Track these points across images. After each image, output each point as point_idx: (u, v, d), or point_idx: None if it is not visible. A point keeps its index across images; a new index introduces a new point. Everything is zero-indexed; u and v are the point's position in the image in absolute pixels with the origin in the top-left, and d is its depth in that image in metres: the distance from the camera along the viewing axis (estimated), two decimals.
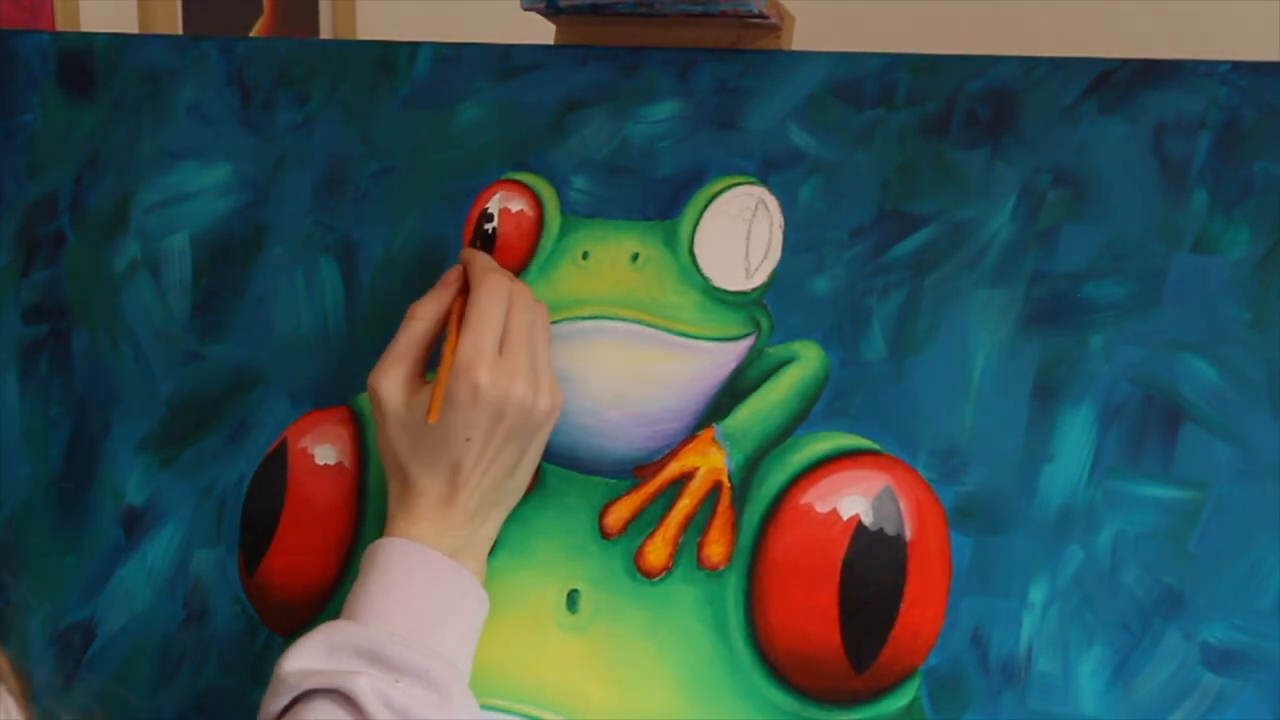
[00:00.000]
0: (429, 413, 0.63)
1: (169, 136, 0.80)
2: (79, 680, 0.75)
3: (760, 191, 0.69)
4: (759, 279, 0.68)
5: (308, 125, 0.78)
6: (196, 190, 0.79)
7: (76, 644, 0.76)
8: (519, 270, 0.72)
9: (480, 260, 0.67)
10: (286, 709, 0.59)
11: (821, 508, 0.64)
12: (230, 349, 0.76)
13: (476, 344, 0.63)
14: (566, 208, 0.72)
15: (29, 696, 0.50)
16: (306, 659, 0.59)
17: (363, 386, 0.72)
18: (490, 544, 0.66)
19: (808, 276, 0.68)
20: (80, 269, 0.80)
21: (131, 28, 1.13)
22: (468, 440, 0.63)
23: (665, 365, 0.68)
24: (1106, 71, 0.66)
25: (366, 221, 0.76)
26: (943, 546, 0.63)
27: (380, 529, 0.71)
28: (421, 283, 0.74)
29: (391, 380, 0.65)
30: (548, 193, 0.73)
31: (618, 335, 0.69)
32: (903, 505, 0.64)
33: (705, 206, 0.70)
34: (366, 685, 0.57)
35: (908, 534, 0.63)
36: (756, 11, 0.69)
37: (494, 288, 0.65)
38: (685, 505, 0.66)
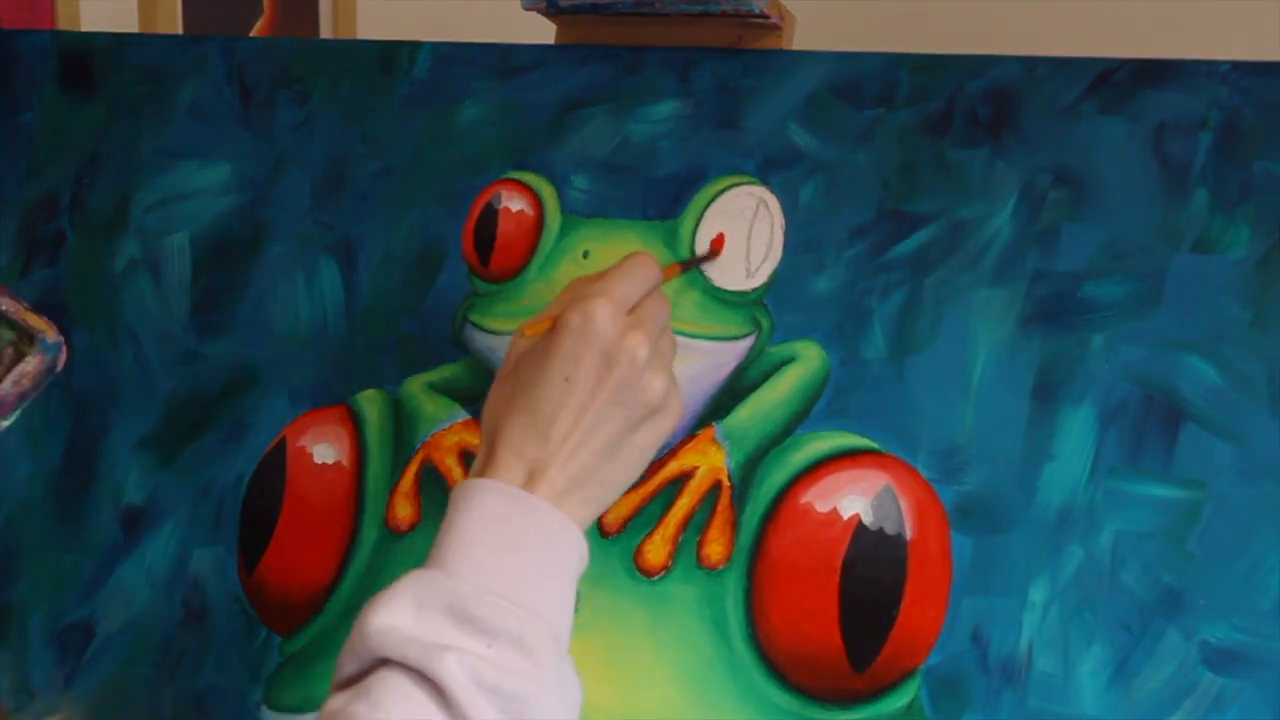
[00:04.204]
0: (525, 326, 0.58)
1: (169, 136, 0.80)
2: (78, 679, 0.75)
3: (761, 191, 0.69)
4: (760, 279, 0.68)
5: (308, 125, 0.78)
6: (196, 190, 0.79)
7: (76, 643, 0.76)
8: (519, 270, 0.72)
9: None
10: (362, 672, 0.53)
11: (821, 507, 0.64)
12: (229, 348, 0.76)
13: (605, 283, 0.58)
14: (567, 207, 0.72)
15: None
16: (393, 615, 0.53)
17: (361, 385, 0.73)
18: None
19: (808, 276, 0.68)
20: (80, 268, 0.80)
21: (131, 28, 1.13)
22: (566, 380, 0.56)
23: None
24: (1107, 71, 0.66)
25: (366, 221, 0.76)
26: (943, 546, 0.63)
27: (379, 528, 0.71)
28: (421, 282, 0.74)
29: (530, 320, 0.60)
30: (548, 192, 0.73)
31: None
32: (903, 505, 0.64)
33: (706, 206, 0.70)
34: (455, 666, 0.51)
35: (908, 533, 0.63)
36: (757, 11, 0.69)
37: (647, 263, 0.60)
38: (685, 504, 0.66)
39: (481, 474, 0.57)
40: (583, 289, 0.59)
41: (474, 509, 0.56)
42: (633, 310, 0.59)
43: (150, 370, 0.78)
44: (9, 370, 0.71)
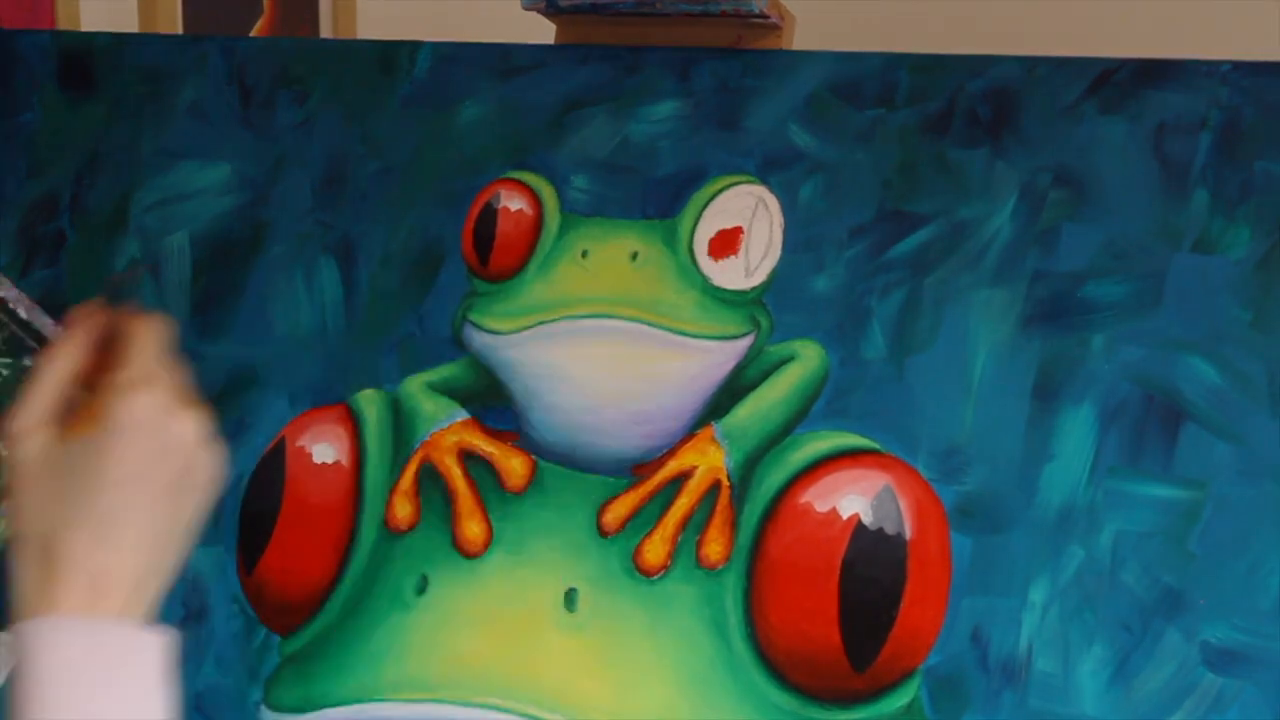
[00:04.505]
0: (64, 429, 0.54)
1: (169, 136, 0.80)
2: None
3: (760, 191, 0.69)
4: (759, 278, 0.68)
5: (308, 125, 0.78)
6: (196, 190, 0.79)
7: None
8: (518, 269, 0.72)
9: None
10: None
11: (821, 507, 0.64)
12: (229, 348, 0.76)
13: (138, 369, 0.55)
14: (566, 206, 0.72)
15: None
16: None
17: (361, 385, 0.73)
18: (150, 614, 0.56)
19: (808, 276, 0.68)
20: (80, 268, 0.80)
21: (131, 28, 1.13)
22: (123, 483, 0.54)
23: (664, 364, 0.68)
24: (1107, 71, 0.66)
25: (366, 221, 0.76)
26: (943, 546, 0.63)
27: (378, 528, 0.71)
28: (420, 282, 0.74)
29: (24, 416, 0.55)
30: (547, 192, 0.73)
31: (617, 334, 0.69)
32: (902, 505, 0.63)
33: (705, 205, 0.70)
34: None
35: (908, 533, 0.63)
36: (757, 11, 0.69)
37: (152, 325, 0.58)
38: (684, 504, 0.66)
39: (44, 599, 0.53)
40: (120, 378, 0.55)
41: (47, 655, 0.52)
42: (156, 383, 0.56)
43: None
44: None
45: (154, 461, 0.55)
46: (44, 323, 0.74)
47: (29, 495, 0.55)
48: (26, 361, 0.72)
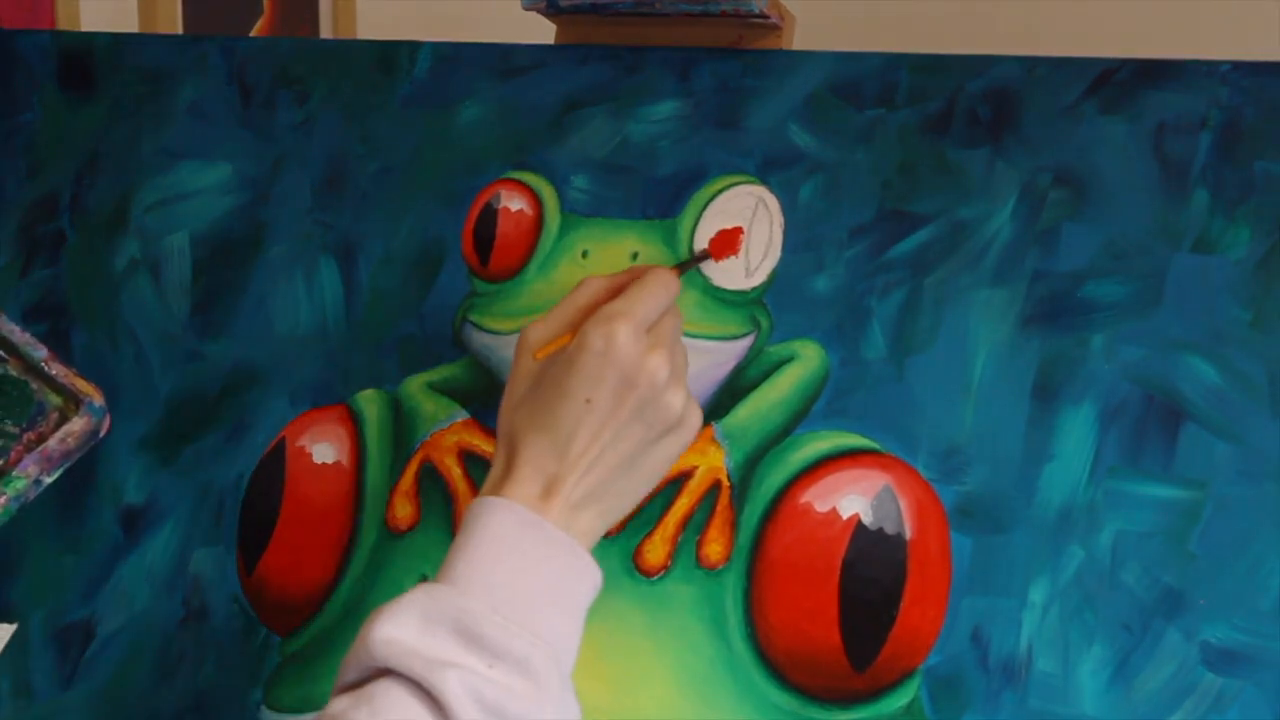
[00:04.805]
0: (540, 349, 0.58)
1: (169, 136, 0.80)
2: (78, 679, 0.75)
3: (760, 191, 0.69)
4: (759, 278, 0.68)
5: (308, 125, 0.78)
6: (196, 189, 0.79)
7: (76, 643, 0.76)
8: (518, 269, 0.72)
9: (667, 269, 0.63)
10: (364, 679, 0.53)
11: (821, 507, 0.64)
12: (229, 348, 0.76)
13: (628, 304, 0.58)
14: (566, 207, 0.72)
15: None
16: (398, 626, 0.53)
17: (361, 385, 0.73)
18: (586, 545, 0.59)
19: (808, 276, 0.68)
20: (80, 268, 0.80)
21: (131, 28, 1.13)
22: (588, 402, 0.57)
23: None
24: (1107, 71, 0.66)
25: (366, 221, 0.76)
26: (943, 546, 0.63)
27: (378, 528, 0.71)
28: (421, 282, 0.74)
29: (537, 330, 0.60)
30: (547, 192, 0.73)
31: None
32: (902, 505, 0.64)
33: (705, 206, 0.70)
34: (456, 683, 0.51)
35: (907, 533, 0.63)
36: (757, 11, 0.69)
37: (668, 280, 0.61)
38: (684, 504, 0.66)
39: (498, 489, 0.58)
40: (605, 307, 0.58)
41: (489, 527, 0.56)
42: (652, 328, 0.59)
43: (150, 370, 0.78)
44: (55, 430, 0.74)
45: (617, 389, 0.57)
46: (10, 329, 0.75)
47: (512, 394, 0.60)
48: None
